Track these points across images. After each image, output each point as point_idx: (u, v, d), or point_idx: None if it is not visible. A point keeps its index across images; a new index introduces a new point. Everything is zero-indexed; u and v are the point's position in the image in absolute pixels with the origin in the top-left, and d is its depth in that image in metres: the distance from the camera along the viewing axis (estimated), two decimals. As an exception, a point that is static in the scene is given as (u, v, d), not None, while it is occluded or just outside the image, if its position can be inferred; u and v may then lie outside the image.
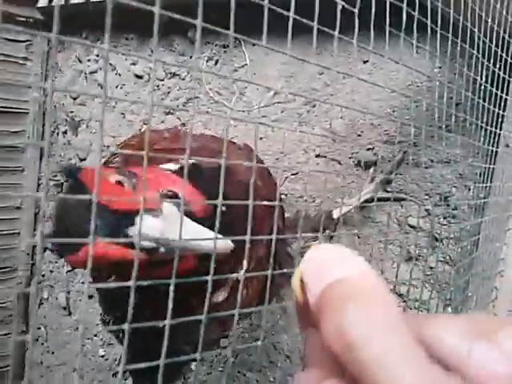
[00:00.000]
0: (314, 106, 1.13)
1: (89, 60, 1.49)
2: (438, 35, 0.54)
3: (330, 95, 1.12)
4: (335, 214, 0.92)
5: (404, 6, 0.45)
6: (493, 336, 0.17)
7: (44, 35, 0.19)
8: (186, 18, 0.22)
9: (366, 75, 1.07)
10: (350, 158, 1.09)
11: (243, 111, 1.21)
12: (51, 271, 1.51)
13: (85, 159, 1.45)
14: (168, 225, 0.38)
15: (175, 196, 0.42)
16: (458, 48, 0.58)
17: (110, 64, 1.44)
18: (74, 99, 1.50)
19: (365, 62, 1.08)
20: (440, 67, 0.99)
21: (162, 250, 0.38)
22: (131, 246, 0.37)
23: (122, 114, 1.38)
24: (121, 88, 1.41)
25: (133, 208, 0.37)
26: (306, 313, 0.21)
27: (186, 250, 0.38)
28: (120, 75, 1.42)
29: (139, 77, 1.39)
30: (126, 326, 0.21)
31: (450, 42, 0.60)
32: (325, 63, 1.14)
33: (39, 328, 1.50)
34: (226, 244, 0.38)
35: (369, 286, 0.19)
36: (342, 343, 0.17)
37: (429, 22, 0.54)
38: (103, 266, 0.40)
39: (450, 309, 0.93)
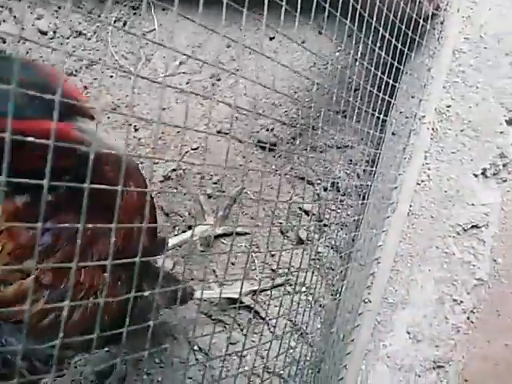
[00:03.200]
0: (219, 80, 1.08)
1: (-9, 10, 1.35)
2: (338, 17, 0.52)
3: (235, 70, 1.07)
4: (170, 242, 0.90)
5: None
6: None
7: None
8: None
9: (272, 53, 1.04)
10: (250, 137, 1.06)
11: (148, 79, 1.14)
12: None
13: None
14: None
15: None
16: (362, 34, 0.56)
17: (14, 17, 1.31)
18: (-28, 51, 1.36)
19: (271, 39, 1.04)
20: (342, 50, 0.97)
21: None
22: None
23: (21, 71, 1.26)
24: (23, 43, 1.29)
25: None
26: None
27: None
28: (23, 29, 1.29)
29: (43, 33, 1.28)
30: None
31: (354, 27, 0.58)
32: (233, 36, 1.09)
33: None
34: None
35: None
36: None
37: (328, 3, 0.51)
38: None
39: (330, 295, 0.92)
